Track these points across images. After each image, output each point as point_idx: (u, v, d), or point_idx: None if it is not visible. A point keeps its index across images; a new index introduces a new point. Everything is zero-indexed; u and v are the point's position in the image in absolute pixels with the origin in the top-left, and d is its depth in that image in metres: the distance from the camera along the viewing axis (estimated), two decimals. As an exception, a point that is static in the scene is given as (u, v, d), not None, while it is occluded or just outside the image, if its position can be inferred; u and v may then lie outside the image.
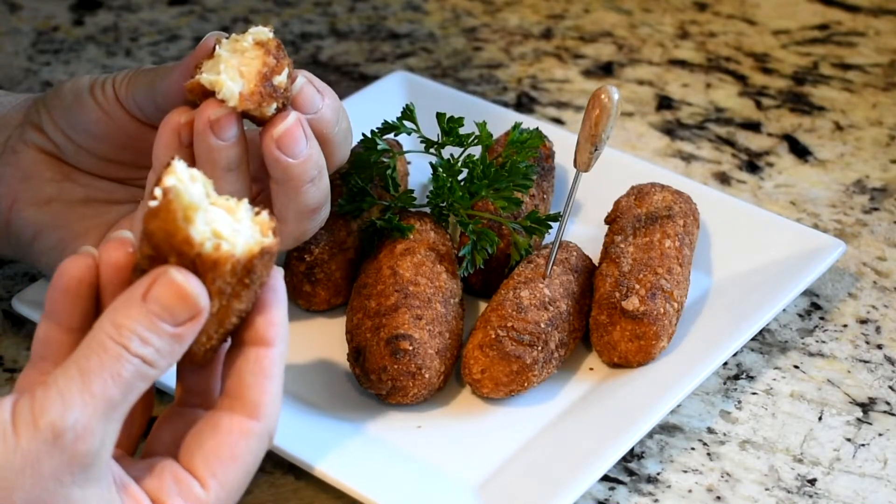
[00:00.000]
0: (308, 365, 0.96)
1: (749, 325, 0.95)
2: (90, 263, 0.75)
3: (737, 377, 0.98)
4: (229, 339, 0.77)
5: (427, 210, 1.02)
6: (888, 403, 0.96)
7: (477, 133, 1.02)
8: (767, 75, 1.34)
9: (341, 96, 1.26)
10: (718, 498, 0.88)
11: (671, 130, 1.26)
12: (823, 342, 1.01)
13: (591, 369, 0.96)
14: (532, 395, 0.93)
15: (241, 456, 0.74)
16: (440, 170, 1.01)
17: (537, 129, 1.04)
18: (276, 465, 0.89)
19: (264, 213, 0.74)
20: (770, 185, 1.18)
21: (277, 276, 0.76)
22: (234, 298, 0.72)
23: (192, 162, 0.86)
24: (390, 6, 1.46)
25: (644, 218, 0.99)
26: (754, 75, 1.35)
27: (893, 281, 1.07)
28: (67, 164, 0.94)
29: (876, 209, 1.16)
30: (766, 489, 0.89)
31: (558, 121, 1.27)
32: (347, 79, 1.32)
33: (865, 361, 1.00)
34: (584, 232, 1.06)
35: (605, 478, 0.89)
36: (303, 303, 0.99)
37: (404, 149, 1.08)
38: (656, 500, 0.88)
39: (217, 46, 0.84)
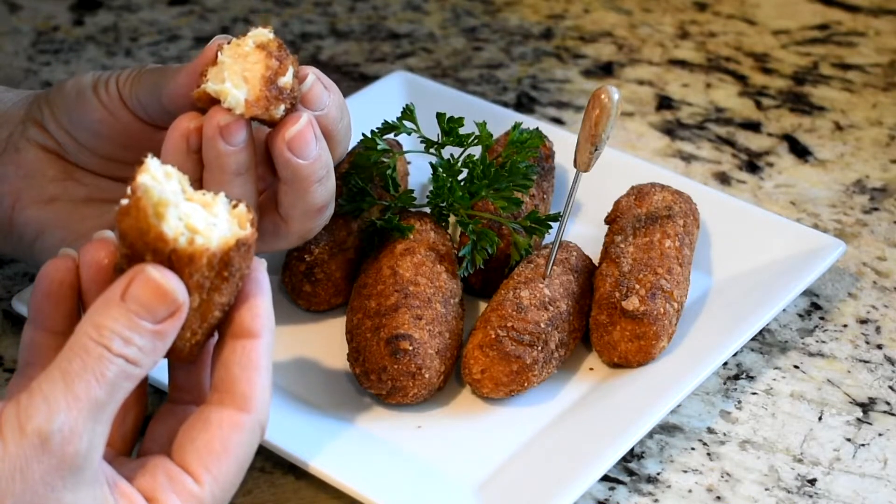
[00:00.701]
0: (308, 365, 0.96)
1: (749, 325, 0.95)
2: (70, 266, 0.75)
3: (737, 377, 0.98)
4: (216, 334, 0.77)
5: (427, 210, 1.02)
6: (888, 403, 0.96)
7: (477, 133, 1.02)
8: (767, 75, 1.34)
9: (341, 96, 1.26)
10: (718, 498, 0.88)
11: (671, 130, 1.26)
12: (823, 342, 1.01)
13: (591, 369, 0.96)
14: (532, 395, 0.93)
15: (233, 449, 0.74)
16: (440, 170, 1.01)
17: (537, 129, 1.04)
18: (276, 465, 0.89)
19: (241, 206, 0.74)
20: (770, 185, 1.18)
21: (259, 267, 0.76)
22: (214, 292, 0.73)
23: (200, 164, 0.86)
24: (390, 6, 1.46)
25: (644, 218, 0.99)
26: (754, 75, 1.35)
27: (893, 281, 1.07)
28: (70, 162, 0.94)
29: (876, 209, 1.16)
30: (766, 489, 0.89)
31: (558, 121, 1.27)
32: (347, 79, 1.32)
33: (865, 361, 1.00)
34: (584, 232, 1.06)
35: (605, 478, 0.89)
36: (303, 303, 0.99)
37: (404, 149, 1.08)
38: (656, 500, 0.88)
39: (219, 53, 0.84)
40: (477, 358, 0.91)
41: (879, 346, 1.01)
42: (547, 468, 0.86)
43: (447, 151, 1.03)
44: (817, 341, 1.01)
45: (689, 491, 0.89)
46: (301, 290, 0.99)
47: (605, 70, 1.35)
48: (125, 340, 0.69)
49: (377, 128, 1.01)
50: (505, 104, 1.28)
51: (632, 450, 0.91)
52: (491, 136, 1.02)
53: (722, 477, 0.90)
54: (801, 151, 1.23)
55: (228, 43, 0.85)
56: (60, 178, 0.94)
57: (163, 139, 0.87)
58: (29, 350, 0.75)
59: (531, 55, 1.37)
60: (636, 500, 0.88)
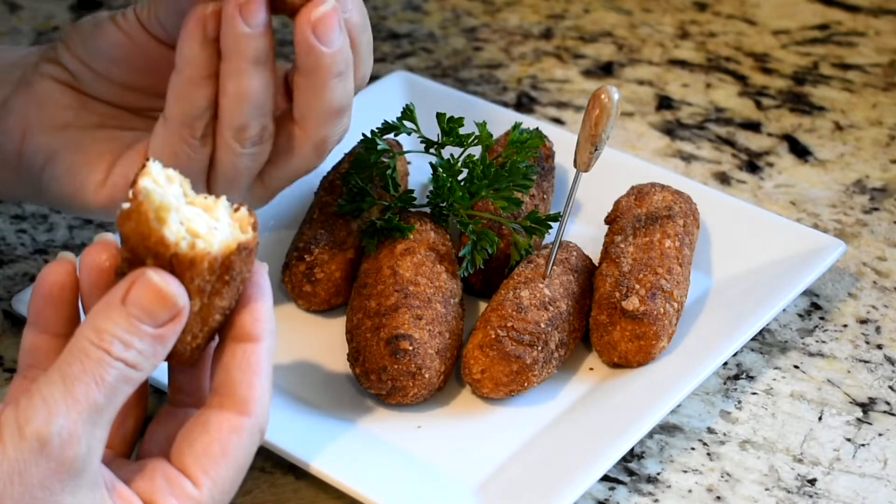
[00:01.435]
0: (308, 365, 0.96)
1: (749, 325, 0.95)
2: (69, 269, 0.75)
3: (737, 377, 0.98)
4: (217, 337, 0.77)
5: (427, 210, 1.02)
6: (888, 403, 0.96)
7: (477, 133, 1.02)
8: (767, 75, 1.34)
9: (341, 96, 1.26)
10: (718, 498, 0.88)
11: (671, 130, 1.26)
12: (823, 342, 1.01)
13: (591, 369, 0.96)
14: (532, 395, 0.93)
15: (232, 452, 0.73)
16: (440, 170, 1.01)
17: (537, 129, 1.04)
18: (276, 465, 0.89)
19: (243, 210, 0.74)
20: (770, 185, 1.18)
21: (261, 270, 0.76)
22: (215, 296, 0.73)
23: (216, 56, 0.84)
24: (390, 6, 1.46)
25: (644, 218, 0.99)
26: (754, 75, 1.35)
27: (893, 281, 1.07)
28: (83, 92, 0.91)
29: (876, 209, 1.16)
30: (766, 489, 0.89)
31: (558, 121, 1.27)
32: (347, 79, 1.32)
33: (865, 361, 1.00)
34: (584, 232, 1.06)
35: (605, 478, 0.89)
36: (303, 303, 0.99)
37: (404, 149, 1.08)
38: (656, 500, 0.88)
39: None
40: (477, 358, 0.91)
41: (879, 346, 1.01)
42: (547, 468, 0.86)
43: (447, 151, 1.03)
44: (817, 341, 1.01)
45: (689, 491, 0.89)
46: (301, 290, 0.99)
47: (605, 70, 1.35)
48: (125, 344, 0.69)
49: (377, 128, 1.01)
50: (505, 104, 1.28)
51: (632, 450, 0.91)
52: (491, 136, 1.02)
53: (722, 477, 0.90)
54: (801, 151, 1.23)
55: None
56: (74, 106, 0.91)
57: None
58: (29, 353, 0.75)
59: (531, 55, 1.37)
60: (636, 500, 0.88)
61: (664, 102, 1.30)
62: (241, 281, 0.74)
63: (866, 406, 0.96)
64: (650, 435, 0.92)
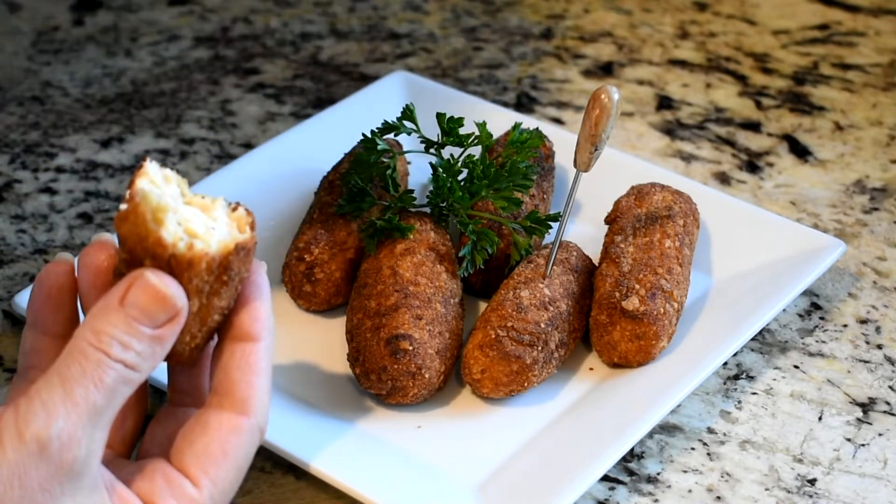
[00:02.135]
0: (308, 365, 0.96)
1: (749, 325, 0.95)
2: (68, 270, 0.75)
3: (737, 377, 0.98)
4: (216, 337, 0.76)
5: (427, 210, 1.02)
6: (888, 403, 0.96)
7: (477, 133, 1.02)
8: (767, 75, 1.34)
9: (341, 96, 1.27)
10: (718, 498, 0.88)
11: (671, 130, 1.26)
12: (823, 342, 1.01)
13: (591, 369, 0.96)
14: (532, 395, 0.93)
15: (231, 453, 0.73)
16: (440, 170, 1.01)
17: (537, 129, 1.04)
18: (276, 465, 0.89)
19: (241, 209, 0.74)
20: (770, 185, 1.18)
21: (259, 270, 0.76)
22: (213, 296, 0.73)
23: None
24: (390, 6, 1.46)
25: (644, 218, 0.99)
26: (754, 75, 1.35)
27: (893, 281, 1.07)
28: None
29: (876, 209, 1.16)
30: (766, 489, 0.89)
31: (558, 121, 1.27)
32: (347, 79, 1.32)
33: (865, 361, 1.00)
34: (584, 232, 1.06)
35: (605, 478, 0.89)
36: (303, 303, 0.99)
37: (404, 149, 1.08)
38: (656, 500, 0.88)
39: None
40: (477, 358, 0.91)
41: (879, 346, 1.01)
42: (547, 468, 0.86)
43: (447, 151, 1.03)
44: (817, 341, 1.01)
45: (689, 491, 0.89)
46: (301, 290, 0.99)
47: (605, 70, 1.35)
48: (124, 346, 0.69)
49: (377, 128, 1.01)
50: (505, 104, 1.28)
51: (632, 450, 0.91)
52: (491, 136, 1.02)
53: (722, 477, 0.90)
54: (801, 151, 1.23)
55: None
56: None
57: None
58: (29, 354, 0.75)
59: (531, 55, 1.37)
60: (636, 500, 0.88)
61: (664, 102, 1.30)
62: (239, 281, 0.74)
63: (866, 406, 0.96)
64: (650, 435, 0.92)
